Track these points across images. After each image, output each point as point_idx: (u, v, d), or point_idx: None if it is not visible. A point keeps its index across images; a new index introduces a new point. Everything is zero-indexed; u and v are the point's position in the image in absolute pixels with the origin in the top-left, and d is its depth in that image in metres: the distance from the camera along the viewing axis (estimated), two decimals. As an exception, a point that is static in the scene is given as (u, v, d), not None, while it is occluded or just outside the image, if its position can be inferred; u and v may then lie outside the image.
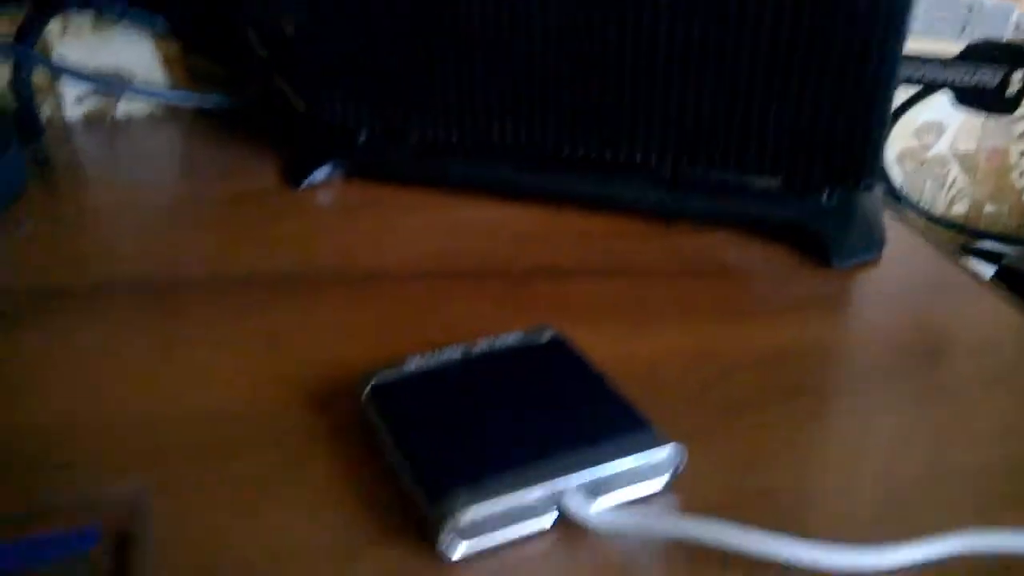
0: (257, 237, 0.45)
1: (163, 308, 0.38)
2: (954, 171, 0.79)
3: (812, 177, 0.43)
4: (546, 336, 0.32)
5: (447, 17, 0.46)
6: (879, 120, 0.41)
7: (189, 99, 0.59)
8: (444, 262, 0.42)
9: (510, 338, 0.32)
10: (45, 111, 0.61)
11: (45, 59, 0.55)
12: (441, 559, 0.25)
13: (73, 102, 0.62)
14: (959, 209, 0.81)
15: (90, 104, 0.62)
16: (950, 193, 0.81)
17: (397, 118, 0.49)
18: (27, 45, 0.53)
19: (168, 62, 0.62)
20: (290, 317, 0.38)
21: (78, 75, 0.57)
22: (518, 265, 0.42)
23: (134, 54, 0.61)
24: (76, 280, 0.41)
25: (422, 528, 0.26)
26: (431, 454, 0.26)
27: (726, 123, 0.43)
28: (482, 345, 0.32)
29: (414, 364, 0.31)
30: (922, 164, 0.78)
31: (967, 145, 0.78)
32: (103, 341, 0.36)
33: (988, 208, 0.81)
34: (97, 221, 0.47)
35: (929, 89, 0.49)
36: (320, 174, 0.50)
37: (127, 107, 0.62)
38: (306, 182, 0.50)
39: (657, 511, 0.27)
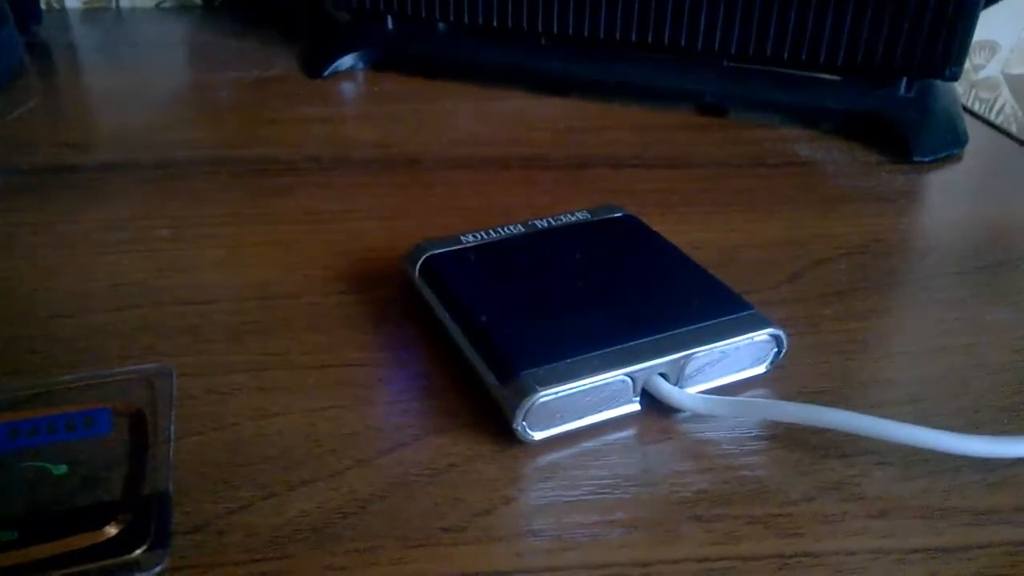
0: (280, 121, 0.41)
1: (181, 188, 0.34)
2: (1004, 95, 0.74)
3: (892, 63, 0.39)
4: (615, 213, 0.29)
5: None
6: (969, 3, 0.37)
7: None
8: (488, 151, 0.38)
9: (575, 216, 0.29)
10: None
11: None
12: (515, 442, 0.22)
13: (73, -11, 0.57)
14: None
15: (92, -8, 0.57)
16: (997, 120, 0.76)
17: (430, 2, 0.45)
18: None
19: (177, -53, 0.57)
20: (325, 200, 0.34)
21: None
22: (570, 154, 0.38)
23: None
24: (85, 159, 0.37)
25: (492, 411, 0.22)
26: (501, 332, 0.23)
27: (799, 10, 0.39)
28: (544, 222, 0.28)
29: (471, 239, 0.27)
30: (972, 87, 0.74)
31: (1020, 68, 0.73)
32: (120, 219, 0.32)
33: (1037, 136, 0.77)
34: (105, 103, 0.43)
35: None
36: (344, 63, 0.46)
37: (132, -3, 0.58)
38: (329, 71, 0.46)
39: (755, 396, 0.23)
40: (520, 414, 0.21)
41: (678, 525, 0.20)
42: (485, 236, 0.27)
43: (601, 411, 0.22)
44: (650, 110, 0.43)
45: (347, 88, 0.45)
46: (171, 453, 0.21)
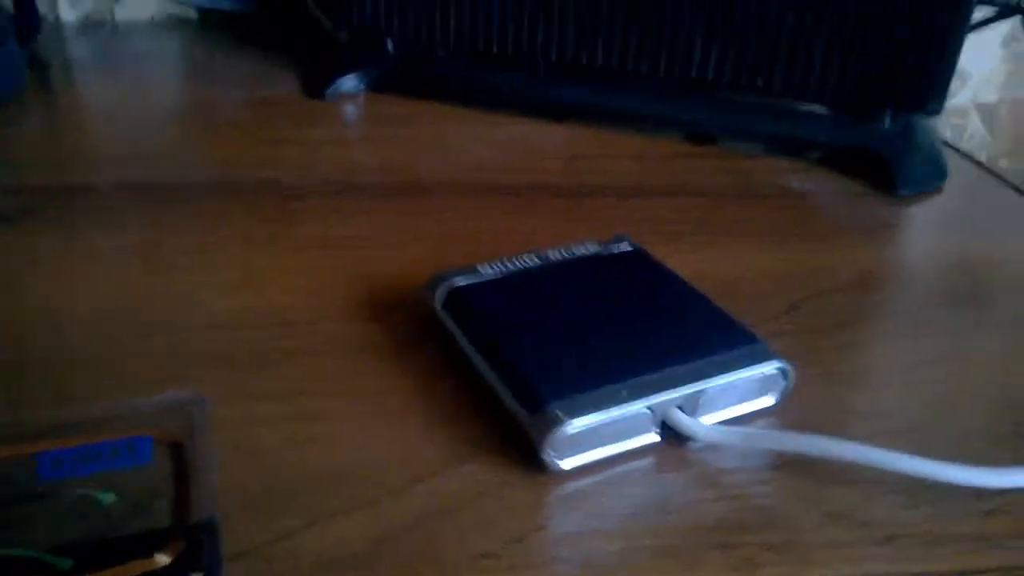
0: (285, 142, 0.42)
1: (193, 210, 0.35)
2: (973, 122, 0.77)
3: (878, 98, 0.40)
4: (624, 246, 0.30)
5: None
6: (953, 38, 0.39)
7: (203, 1, 0.55)
8: (491, 177, 0.40)
9: (586, 247, 0.30)
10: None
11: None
12: (541, 470, 0.23)
13: (68, 4, 0.57)
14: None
15: (86, 7, 0.58)
16: (968, 146, 0.79)
17: (432, 28, 0.46)
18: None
19: (173, -37, 0.58)
20: (336, 225, 0.35)
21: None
22: (574, 182, 0.39)
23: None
24: (96, 180, 0.37)
25: (517, 439, 0.23)
26: (526, 364, 0.24)
27: (789, 43, 0.40)
28: (558, 253, 0.29)
29: (488, 270, 0.28)
30: (943, 114, 0.76)
31: (988, 96, 0.76)
32: (136, 243, 0.33)
33: (1003, 164, 0.80)
34: (111, 122, 0.44)
35: (1002, 15, 0.47)
36: (346, 84, 0.47)
37: (126, 12, 0.58)
38: (329, 91, 0.47)
39: (765, 426, 0.25)
40: (549, 444, 0.22)
41: (701, 551, 0.21)
42: (502, 267, 0.28)
43: (623, 440, 0.23)
44: (643, 137, 0.44)
45: (349, 110, 0.46)
46: (213, 481, 0.22)
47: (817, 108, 0.43)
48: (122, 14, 0.58)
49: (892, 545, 0.21)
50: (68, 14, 0.57)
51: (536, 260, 0.29)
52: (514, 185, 0.39)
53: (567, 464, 0.23)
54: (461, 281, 0.28)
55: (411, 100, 0.47)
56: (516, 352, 0.24)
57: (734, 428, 0.24)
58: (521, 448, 0.23)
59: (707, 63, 0.42)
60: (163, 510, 0.21)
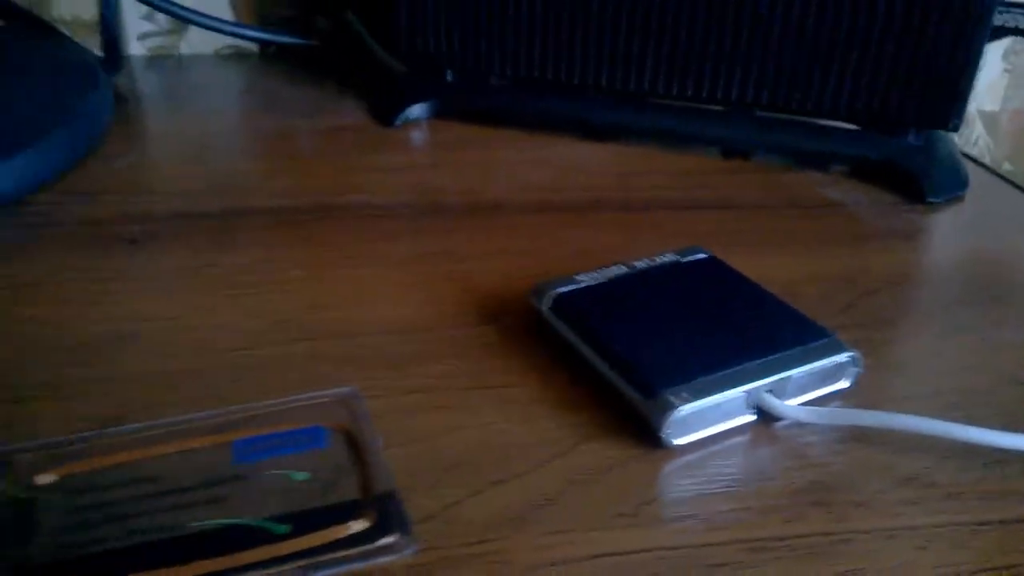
0: (365, 168, 0.46)
1: (295, 233, 0.39)
2: (978, 130, 0.82)
3: (904, 116, 0.45)
4: (700, 255, 0.34)
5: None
6: (971, 61, 0.43)
7: (266, 35, 0.59)
8: (556, 195, 0.44)
9: (666, 257, 0.34)
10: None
11: (137, -9, 0.55)
12: (659, 448, 0.27)
13: (136, 39, 0.61)
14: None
15: (153, 42, 0.62)
16: (973, 151, 0.84)
17: (488, 57, 0.50)
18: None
19: (236, 0, 0.62)
20: (427, 242, 0.39)
21: (175, 10, 0.56)
22: (628, 198, 0.44)
23: (202, -9, 0.60)
24: (200, 207, 0.41)
25: (632, 422, 0.27)
26: (638, 358, 0.28)
27: (819, 65, 0.45)
28: (642, 263, 0.33)
29: (584, 278, 0.32)
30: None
31: (992, 105, 0.81)
32: (252, 262, 0.37)
33: (1007, 167, 0.84)
34: (199, 152, 0.48)
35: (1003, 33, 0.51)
36: (415, 112, 0.51)
37: (191, 46, 0.62)
38: (398, 120, 0.51)
39: (841, 406, 0.29)
40: (666, 424, 0.26)
41: (799, 508, 0.25)
42: (598, 276, 0.32)
43: (724, 421, 0.28)
44: (683, 154, 0.49)
45: (415, 136, 0.50)
46: (385, 460, 0.26)
47: (844, 124, 0.48)
48: (187, 48, 0.62)
49: (957, 500, 0.26)
50: (136, 48, 0.61)
51: (624, 269, 0.33)
52: (573, 202, 0.43)
53: (679, 441, 0.27)
54: (563, 288, 0.32)
55: (469, 125, 0.52)
56: (626, 347, 0.28)
57: (816, 408, 0.28)
58: (637, 429, 0.27)
59: (745, 86, 0.46)
60: (348, 485, 0.25)
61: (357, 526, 0.23)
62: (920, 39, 0.43)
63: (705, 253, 0.34)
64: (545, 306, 0.31)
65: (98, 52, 0.58)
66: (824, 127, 0.48)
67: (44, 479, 0.24)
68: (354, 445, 0.26)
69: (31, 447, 0.26)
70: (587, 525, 0.24)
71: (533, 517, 0.24)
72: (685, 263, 0.34)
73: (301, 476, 0.25)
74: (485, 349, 0.32)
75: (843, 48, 0.44)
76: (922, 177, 0.44)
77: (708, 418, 0.27)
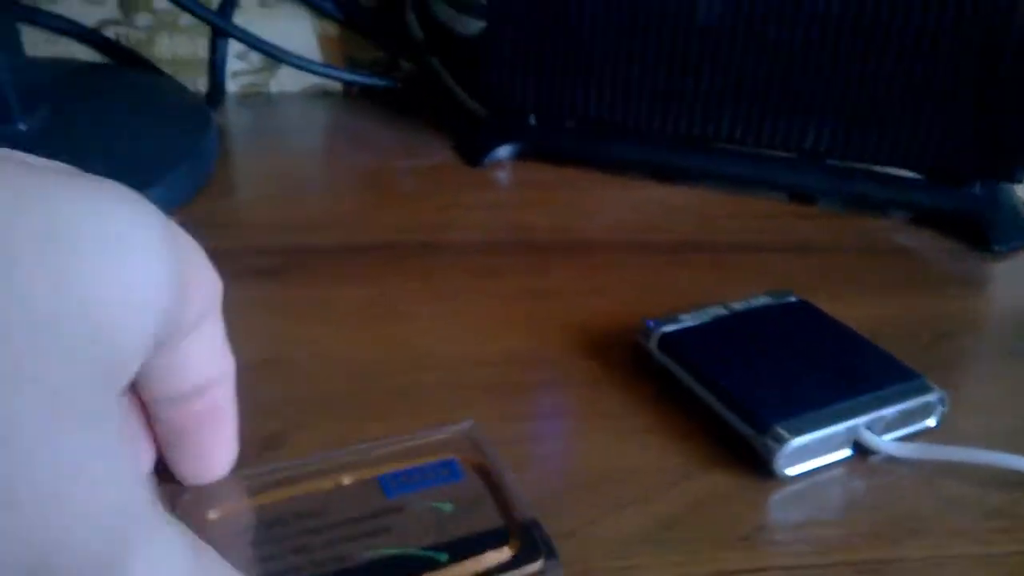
0: (461, 206, 0.49)
1: (407, 267, 0.42)
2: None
3: (970, 168, 0.48)
4: (791, 298, 0.37)
5: (617, 15, 0.50)
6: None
7: (356, 77, 0.63)
8: (642, 236, 0.47)
9: (761, 299, 0.37)
10: (201, 84, 0.65)
11: (247, 33, 0.58)
12: (768, 477, 0.29)
13: (229, 76, 0.65)
14: None
15: (245, 80, 0.65)
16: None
17: (567, 102, 0.53)
18: (227, 18, 0.56)
19: (323, 41, 0.65)
20: (527, 279, 0.42)
21: (274, 51, 0.60)
22: (713, 240, 0.46)
23: (293, 32, 0.64)
24: (316, 241, 0.44)
25: (742, 453, 0.30)
26: (748, 394, 0.31)
27: (888, 117, 0.48)
28: (739, 305, 0.36)
29: (688, 318, 0.35)
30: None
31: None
32: (372, 295, 0.40)
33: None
34: (303, 188, 0.51)
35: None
36: (500, 153, 0.54)
37: (280, 84, 0.66)
38: (487, 159, 0.54)
39: (930, 442, 0.32)
40: (778, 456, 0.29)
41: (901, 535, 0.28)
42: (699, 316, 0.35)
43: (826, 454, 0.30)
44: (753, 197, 0.51)
45: (501, 176, 0.54)
46: (521, 490, 0.27)
47: (907, 173, 0.50)
48: (276, 86, 0.66)
49: (1044, 531, 0.28)
50: (229, 85, 0.65)
51: (723, 310, 0.36)
52: (660, 242, 0.46)
53: (788, 472, 0.29)
54: (669, 327, 0.34)
55: (550, 166, 0.55)
56: (735, 383, 0.31)
57: (910, 444, 0.31)
58: (745, 459, 0.30)
59: (818, 135, 0.49)
60: (494, 514, 0.26)
61: (507, 552, 0.25)
62: (987, 94, 0.45)
63: (795, 297, 0.37)
64: (653, 344, 0.34)
65: (195, 88, 0.62)
66: (889, 175, 0.51)
67: (212, 515, 0.26)
68: (486, 475, 0.28)
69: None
70: (711, 545, 0.27)
71: (663, 536, 0.27)
72: (778, 305, 0.36)
73: (447, 507, 0.27)
74: (594, 383, 0.34)
75: (913, 102, 0.47)
76: (988, 226, 0.47)
77: (812, 451, 0.30)
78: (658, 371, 0.34)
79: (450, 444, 0.29)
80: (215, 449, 0.25)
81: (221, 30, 0.57)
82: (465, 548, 0.25)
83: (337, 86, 0.67)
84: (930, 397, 0.32)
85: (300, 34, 0.64)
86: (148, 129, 0.50)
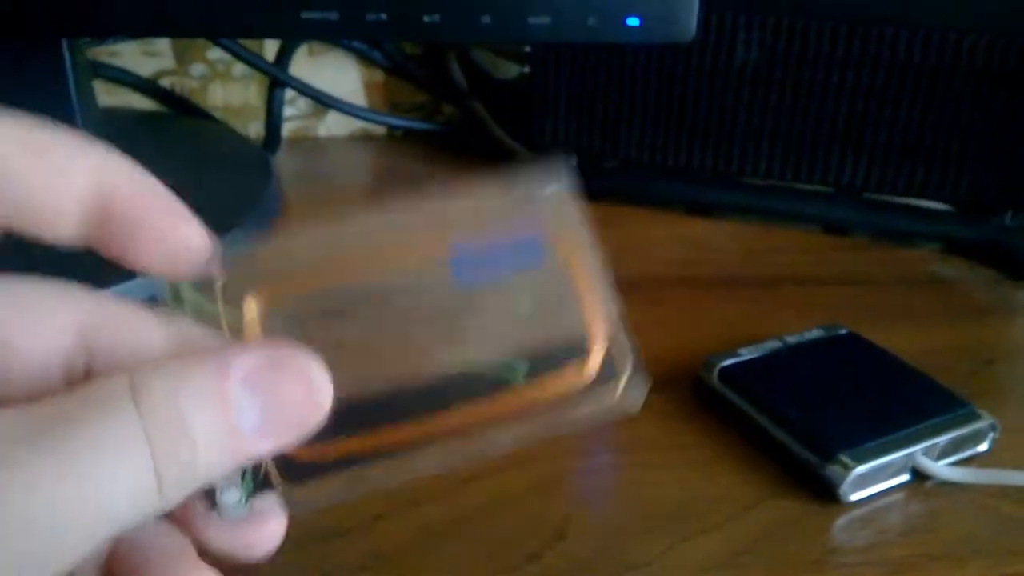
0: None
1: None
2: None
3: (1002, 200, 0.50)
4: (842, 330, 0.39)
5: (658, 60, 0.53)
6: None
7: (404, 122, 0.65)
8: (690, 271, 0.49)
9: (813, 333, 0.39)
10: (251, 130, 0.67)
11: (302, 83, 0.61)
12: (831, 503, 0.31)
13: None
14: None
15: (294, 124, 0.68)
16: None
17: (609, 144, 0.56)
18: (284, 68, 0.59)
19: (368, 88, 0.68)
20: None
21: (332, 101, 0.63)
22: (759, 274, 0.48)
23: (340, 79, 0.67)
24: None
25: (806, 480, 0.32)
26: (811, 424, 0.33)
27: (918, 151, 0.50)
28: (794, 338, 0.38)
29: (746, 351, 0.37)
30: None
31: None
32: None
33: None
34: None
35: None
36: (547, 192, 0.57)
37: (327, 128, 0.69)
38: (533, 199, 0.57)
39: (983, 466, 0.33)
40: (844, 482, 0.31)
41: (965, 555, 0.30)
42: (756, 350, 0.37)
43: (886, 480, 0.32)
44: (788, 230, 0.53)
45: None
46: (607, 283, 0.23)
47: (939, 205, 0.52)
48: (323, 131, 0.68)
49: (1098, 550, 0.30)
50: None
51: (779, 343, 0.38)
52: (705, 277, 0.48)
53: (854, 496, 0.31)
54: (729, 361, 0.37)
55: (593, 204, 0.57)
56: (798, 414, 0.33)
57: (966, 469, 0.33)
58: (809, 485, 0.32)
59: (856, 171, 0.52)
60: (571, 317, 0.21)
61: (589, 369, 0.21)
62: (1017, 130, 0.48)
63: (845, 329, 0.39)
64: (714, 378, 0.36)
65: (246, 134, 0.65)
66: (920, 207, 0.53)
67: (251, 310, 0.21)
68: (569, 261, 0.23)
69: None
70: (787, 570, 0.29)
71: (737, 563, 0.29)
72: (830, 338, 0.38)
73: (524, 305, 0.22)
74: (660, 417, 0.36)
75: (944, 136, 0.49)
76: (1020, 255, 0.49)
77: (874, 478, 0.32)
78: (719, 403, 0.36)
79: (534, 211, 0.23)
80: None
81: (279, 80, 0.59)
82: (544, 362, 0.21)
83: (381, 130, 0.69)
84: (981, 424, 0.33)
85: (346, 81, 0.67)
86: (215, 176, 0.52)
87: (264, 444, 0.19)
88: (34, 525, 0.16)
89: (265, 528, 0.22)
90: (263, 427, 0.19)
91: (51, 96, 0.46)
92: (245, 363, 0.19)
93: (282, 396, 0.19)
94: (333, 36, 0.58)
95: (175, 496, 0.18)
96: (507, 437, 0.21)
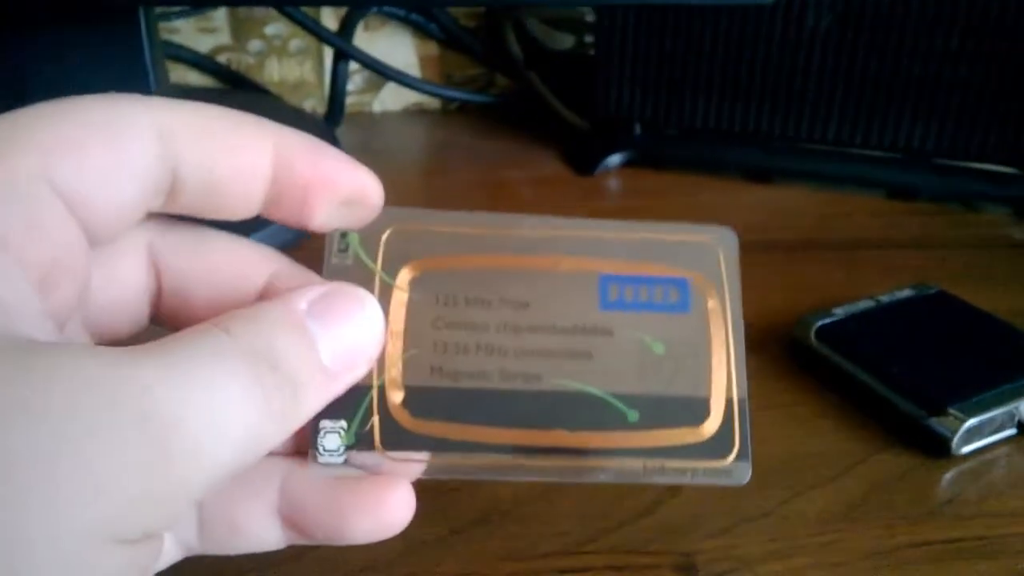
0: (591, 214, 0.51)
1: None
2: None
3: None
4: (933, 290, 0.39)
5: (726, 26, 0.52)
6: None
7: (460, 95, 0.66)
8: (767, 236, 0.49)
9: (904, 292, 0.39)
10: (307, 106, 0.67)
11: (366, 55, 0.61)
12: (939, 456, 0.31)
13: (334, 98, 0.68)
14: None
15: (350, 99, 0.68)
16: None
17: (672, 111, 0.56)
18: (349, 40, 0.59)
19: (423, 61, 0.68)
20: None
21: (390, 72, 0.63)
22: (835, 238, 0.48)
23: (396, 53, 0.67)
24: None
25: (912, 434, 0.32)
26: (918, 379, 0.33)
27: (985, 115, 0.50)
28: (886, 297, 0.38)
29: (840, 311, 0.37)
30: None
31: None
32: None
33: None
34: (429, 198, 0.53)
35: None
36: (612, 162, 0.57)
37: (382, 104, 0.69)
38: (599, 169, 0.57)
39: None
40: (957, 436, 0.31)
41: (1080, 506, 0.30)
42: (850, 308, 0.37)
43: (994, 434, 0.32)
44: (854, 196, 0.53)
45: (613, 184, 0.56)
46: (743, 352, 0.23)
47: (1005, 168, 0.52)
48: (378, 105, 0.69)
49: None
50: (333, 107, 0.68)
51: (872, 303, 0.38)
52: (786, 241, 0.48)
53: (964, 449, 0.31)
54: (825, 320, 0.37)
55: (656, 172, 0.57)
56: (902, 370, 0.33)
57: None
58: (917, 441, 0.32)
59: (925, 135, 0.51)
60: (698, 375, 0.22)
61: (702, 433, 0.21)
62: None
63: (936, 288, 0.39)
64: (811, 336, 0.36)
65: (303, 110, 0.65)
66: (986, 171, 0.53)
67: (403, 276, 0.22)
68: (714, 313, 0.23)
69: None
70: (904, 520, 0.29)
71: (854, 515, 0.29)
72: (922, 296, 0.38)
73: (658, 348, 0.22)
74: (757, 376, 0.36)
75: (1017, 101, 0.49)
76: (1098, 217, 0.49)
77: (983, 431, 0.32)
78: (817, 362, 0.36)
79: (692, 252, 0.24)
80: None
81: (343, 52, 0.59)
82: (663, 413, 0.21)
83: (434, 104, 0.70)
84: (1086, 378, 0.33)
85: (402, 55, 0.67)
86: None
87: (344, 376, 0.20)
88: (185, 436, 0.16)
89: (393, 493, 0.21)
90: (335, 357, 0.20)
91: (129, 73, 0.46)
92: (307, 295, 0.20)
93: (344, 322, 0.20)
94: (397, 1, 0.58)
95: (286, 427, 0.19)
96: (610, 472, 0.21)
